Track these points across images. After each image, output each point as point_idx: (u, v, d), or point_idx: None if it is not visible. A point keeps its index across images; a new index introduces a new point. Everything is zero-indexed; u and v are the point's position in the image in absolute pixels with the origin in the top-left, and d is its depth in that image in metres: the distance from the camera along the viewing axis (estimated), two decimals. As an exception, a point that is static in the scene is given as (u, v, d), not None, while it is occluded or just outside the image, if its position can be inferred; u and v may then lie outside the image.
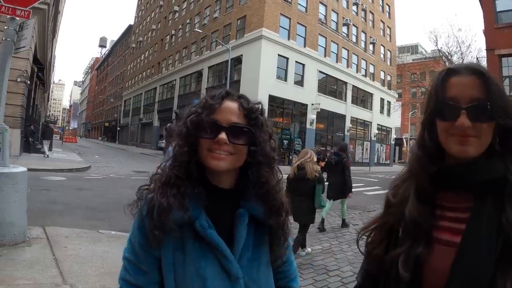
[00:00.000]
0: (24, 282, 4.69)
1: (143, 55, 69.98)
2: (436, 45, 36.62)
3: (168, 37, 58.05)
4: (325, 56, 42.33)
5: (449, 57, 33.68)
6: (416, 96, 57.16)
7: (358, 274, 1.46)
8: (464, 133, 1.13)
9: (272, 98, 35.90)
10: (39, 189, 12.07)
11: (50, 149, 26.14)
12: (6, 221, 5.96)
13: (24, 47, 6.70)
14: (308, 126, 39.76)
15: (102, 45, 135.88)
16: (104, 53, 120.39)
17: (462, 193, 1.16)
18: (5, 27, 6.48)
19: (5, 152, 6.33)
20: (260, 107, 1.47)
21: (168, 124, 8.28)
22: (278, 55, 36.66)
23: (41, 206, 9.38)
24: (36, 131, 25.79)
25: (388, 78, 54.56)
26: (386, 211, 1.34)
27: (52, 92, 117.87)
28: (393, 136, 58.35)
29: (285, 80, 37.72)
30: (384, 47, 53.81)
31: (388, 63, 53.78)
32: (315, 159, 7.49)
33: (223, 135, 1.30)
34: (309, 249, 7.34)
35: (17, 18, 6.50)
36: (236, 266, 1.32)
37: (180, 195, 1.30)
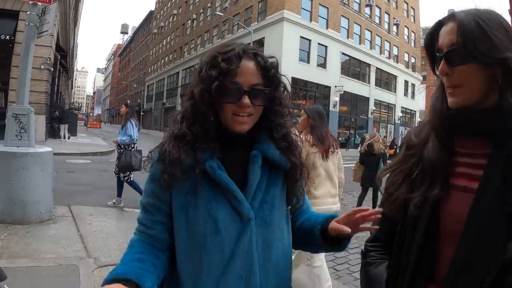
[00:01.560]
0: (50, 256, 4.75)
1: (165, 40, 70.15)
2: None
3: (189, 21, 57.95)
4: (348, 37, 41.77)
5: None
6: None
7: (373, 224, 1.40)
8: (449, 85, 1.13)
9: (294, 81, 35.70)
10: (65, 171, 12.21)
11: (74, 134, 26.54)
12: (32, 199, 6.04)
13: (46, 31, 6.80)
14: (331, 108, 39.41)
15: (124, 32, 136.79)
16: (126, 40, 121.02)
17: (479, 139, 1.13)
18: (28, 13, 6.58)
19: (31, 133, 6.41)
20: (275, 62, 1.46)
21: (127, 101, 8.36)
22: (300, 37, 36.36)
23: (67, 187, 9.47)
24: (61, 117, 26.11)
25: (412, 60, 53.67)
26: (406, 153, 1.30)
27: (75, 79, 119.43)
28: (418, 119, 57.42)
29: (308, 62, 37.43)
30: (408, 28, 52.80)
31: (412, 45, 52.78)
32: (381, 140, 9.55)
33: (246, 100, 1.31)
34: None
35: (39, 3, 6.58)
36: (247, 207, 1.33)
37: (192, 150, 1.33)
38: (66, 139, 25.50)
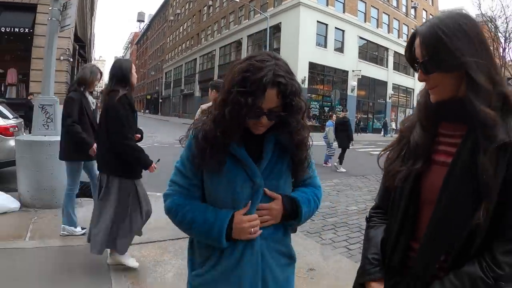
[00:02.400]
0: (79, 236, 5.08)
1: (181, 27, 70.35)
2: (480, 9, 35.08)
3: (205, 8, 57.98)
4: (365, 21, 41.47)
5: (493, 22, 32.17)
6: None
7: (377, 196, 1.71)
8: (428, 87, 1.37)
9: (312, 65, 35.71)
10: (88, 159, 12.56)
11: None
12: (60, 185, 6.34)
13: (69, 25, 7.14)
14: (349, 93, 39.35)
15: (140, 20, 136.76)
16: (143, 28, 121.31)
17: (458, 123, 1.35)
18: (50, 8, 6.88)
19: (57, 123, 6.71)
20: (297, 88, 1.68)
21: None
22: (317, 21, 36.24)
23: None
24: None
25: (434, 44, 52.82)
26: (399, 137, 1.57)
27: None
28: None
29: (325, 46, 37.34)
30: (426, 11, 51.93)
31: (432, 29, 52.00)
32: None
33: (264, 120, 1.64)
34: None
35: None
36: (259, 175, 1.71)
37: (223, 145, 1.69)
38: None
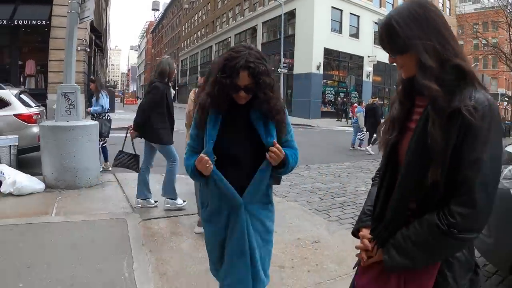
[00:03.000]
0: (101, 212, 5.53)
1: (196, 15, 70.38)
2: None
3: (220, -5, 57.98)
4: (380, 6, 41.11)
5: (509, 7, 31.39)
6: (478, 48, 53.40)
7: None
8: (398, 67, 1.64)
9: (327, 51, 35.67)
10: (108, 144, 13.01)
11: (111, 110, 27.42)
12: (82, 166, 6.84)
13: (88, 16, 7.56)
14: (364, 79, 39.24)
15: (155, 9, 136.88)
16: (158, 16, 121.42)
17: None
18: (69, 1, 7.28)
19: (79, 109, 7.21)
20: (264, 69, 2.29)
21: (92, 77, 9.08)
22: (332, 7, 36.05)
23: (110, 158, 10.21)
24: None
25: (449, 29, 51.93)
26: (389, 114, 1.81)
27: (109, 58, 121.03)
28: (454, 89, 55.94)
29: (340, 32, 37.22)
30: (442, -6, 51.36)
31: (448, 13, 51.21)
32: None
33: (242, 93, 2.29)
34: None
35: None
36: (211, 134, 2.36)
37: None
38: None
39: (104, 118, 9.04)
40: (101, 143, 8.71)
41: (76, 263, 3.86)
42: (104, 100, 9.02)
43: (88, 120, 7.56)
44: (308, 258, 4.31)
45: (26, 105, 9.07)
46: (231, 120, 2.41)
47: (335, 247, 4.66)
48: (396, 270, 1.56)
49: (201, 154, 2.28)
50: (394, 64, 1.64)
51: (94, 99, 9.17)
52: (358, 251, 1.79)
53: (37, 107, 9.63)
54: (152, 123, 5.60)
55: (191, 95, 6.06)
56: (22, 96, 9.31)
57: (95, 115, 8.95)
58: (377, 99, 18.92)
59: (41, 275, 3.59)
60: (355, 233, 1.90)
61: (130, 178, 7.54)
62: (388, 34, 1.56)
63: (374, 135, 14.42)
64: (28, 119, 8.57)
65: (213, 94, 2.35)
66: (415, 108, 1.64)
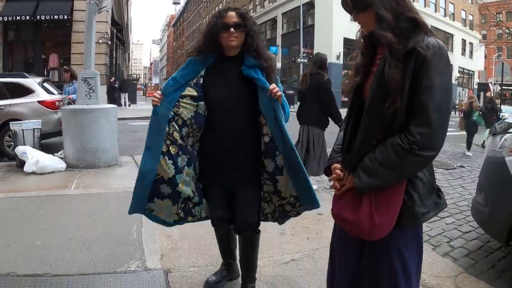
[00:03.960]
0: (116, 186, 5.95)
1: (217, 7, 70.14)
2: None
3: (240, -13, 58.04)
4: (401, -5, 40.54)
5: None
6: (502, 37, 51.89)
7: None
8: (360, 25, 1.89)
9: (347, 41, 35.45)
10: (128, 131, 13.53)
11: (133, 102, 28.12)
12: (101, 147, 7.26)
13: (105, 6, 7.97)
14: (384, 68, 38.84)
15: (176, 2, 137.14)
16: (179, 10, 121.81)
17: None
18: (88, -8, 7.64)
19: (98, 93, 7.63)
20: (247, 12, 2.68)
21: (65, 67, 9.17)
22: (351, -4, 35.70)
23: (130, 143, 10.67)
24: (120, 86, 27.45)
25: (470, 17, 51.16)
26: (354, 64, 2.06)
27: (132, 52, 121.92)
28: (476, 80, 55.12)
29: (359, 22, 36.87)
30: (465, -17, 50.51)
31: (469, 1, 50.32)
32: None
33: (232, 29, 2.49)
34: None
35: None
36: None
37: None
38: (127, 107, 27.18)
39: None
40: None
41: (89, 226, 4.25)
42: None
43: (108, 104, 7.92)
44: (309, 227, 4.52)
45: (49, 92, 9.49)
46: (220, 70, 2.62)
47: (336, 218, 4.87)
48: (367, 191, 1.72)
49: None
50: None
51: (70, 87, 9.46)
52: None
53: (59, 94, 10.05)
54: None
55: None
56: (45, 84, 9.77)
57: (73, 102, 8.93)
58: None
59: (57, 235, 3.99)
60: (327, 171, 2.05)
61: (147, 159, 7.91)
62: None
63: None
64: (51, 105, 8.98)
65: (201, 42, 2.63)
66: (377, 55, 1.84)
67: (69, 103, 9.12)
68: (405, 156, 1.62)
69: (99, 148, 7.18)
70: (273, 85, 2.47)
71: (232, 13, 2.54)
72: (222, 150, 2.62)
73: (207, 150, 2.72)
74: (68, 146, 7.26)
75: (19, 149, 7.07)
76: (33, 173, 6.60)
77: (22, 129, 7.49)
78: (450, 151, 12.30)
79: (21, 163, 6.91)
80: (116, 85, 26.67)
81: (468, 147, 12.18)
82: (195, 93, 2.57)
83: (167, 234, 4.01)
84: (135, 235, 4.01)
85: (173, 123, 2.55)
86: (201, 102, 2.60)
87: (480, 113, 13.07)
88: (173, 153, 2.57)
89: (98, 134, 7.17)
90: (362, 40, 1.93)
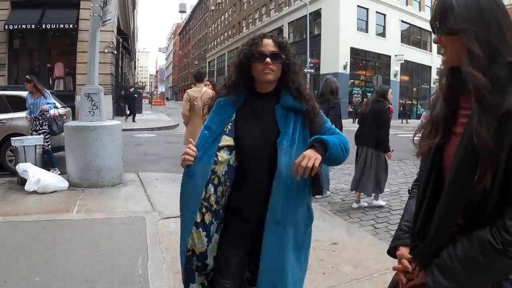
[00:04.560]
0: (121, 210, 5.62)
1: (223, 16, 70.82)
2: None
3: (246, -4, 58.19)
4: (406, 4, 40.56)
5: None
6: None
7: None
8: (442, 52, 1.45)
9: (354, 51, 35.42)
10: (133, 144, 13.28)
11: (139, 111, 27.91)
12: (105, 165, 6.96)
13: (110, 19, 7.76)
14: (392, 78, 38.67)
15: (182, 11, 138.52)
16: (185, 18, 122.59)
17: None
18: (91, 5, 7.47)
19: (102, 109, 7.37)
20: (286, 39, 2.31)
21: (27, 76, 8.50)
22: (357, 6, 35.78)
23: (135, 158, 10.45)
24: (126, 96, 27.25)
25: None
26: (430, 114, 1.60)
27: (138, 60, 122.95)
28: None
29: (366, 31, 36.90)
30: (471, -10, 50.16)
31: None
32: None
33: (268, 60, 2.08)
34: None
35: None
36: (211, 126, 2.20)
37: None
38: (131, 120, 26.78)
39: (54, 116, 8.36)
40: (46, 144, 8.10)
41: (92, 259, 3.94)
42: (51, 98, 8.49)
43: (112, 121, 7.67)
44: (325, 260, 4.23)
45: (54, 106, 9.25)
46: (252, 109, 2.18)
47: (352, 249, 4.57)
48: None
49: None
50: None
51: (33, 100, 8.30)
52: (392, 271, 1.61)
53: (63, 108, 9.82)
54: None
55: (185, 96, 7.38)
56: (48, 97, 9.51)
57: (42, 116, 8.20)
58: None
59: (57, 270, 3.69)
60: (392, 252, 1.70)
61: (153, 177, 7.66)
62: (442, 8, 1.38)
63: None
64: (55, 119, 8.74)
65: (232, 76, 2.24)
66: (460, 110, 1.44)
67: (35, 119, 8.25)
68: (496, 258, 1.22)
69: (102, 167, 6.91)
70: (300, 158, 1.93)
71: (268, 41, 2.14)
72: (251, 207, 2.13)
73: (234, 209, 2.16)
74: (71, 164, 6.98)
75: (20, 167, 6.83)
76: (35, 192, 6.33)
77: (24, 146, 7.24)
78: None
79: (23, 180, 6.67)
80: (122, 93, 26.47)
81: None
82: (232, 143, 2.09)
83: (175, 269, 3.71)
84: (140, 270, 3.71)
85: (210, 185, 2.05)
86: (233, 151, 2.10)
87: None
88: (207, 221, 2.07)
89: (102, 152, 6.91)
90: (444, 79, 1.51)
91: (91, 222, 5.04)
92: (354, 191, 6.97)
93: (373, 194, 6.93)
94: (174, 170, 8.40)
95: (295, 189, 2.07)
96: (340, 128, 6.65)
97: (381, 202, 6.99)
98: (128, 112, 25.95)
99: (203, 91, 7.35)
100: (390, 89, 7.23)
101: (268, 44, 2.12)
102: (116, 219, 5.16)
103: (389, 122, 7.03)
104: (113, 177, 7.05)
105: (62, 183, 6.70)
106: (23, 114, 8.49)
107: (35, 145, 7.39)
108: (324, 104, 6.76)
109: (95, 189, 6.69)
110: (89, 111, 7.18)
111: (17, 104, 8.67)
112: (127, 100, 26.34)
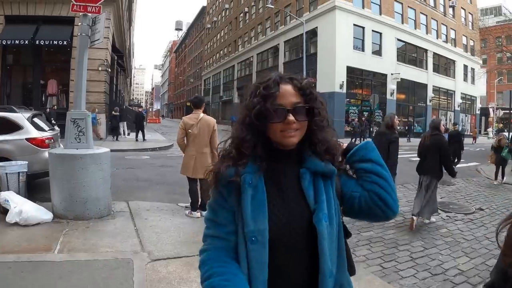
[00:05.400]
0: (107, 250, 5.08)
1: (218, 34, 70.95)
2: None
3: (241, 15, 58.27)
4: (402, 23, 40.59)
5: None
6: (502, 61, 51.97)
7: (492, 271, 1.33)
8: None
9: (350, 70, 35.31)
10: (125, 167, 12.79)
11: (133, 130, 27.40)
12: (92, 196, 6.46)
13: (98, 39, 7.22)
14: (388, 96, 38.55)
15: (178, 28, 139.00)
16: (181, 36, 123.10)
17: None
18: (79, 23, 7.07)
19: (89, 136, 6.89)
20: (310, 82, 1.60)
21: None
22: (354, 25, 35.78)
23: (126, 183, 9.96)
24: (120, 115, 26.81)
25: (471, 43, 50.98)
26: None
27: (134, 77, 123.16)
28: (478, 105, 54.97)
29: (363, 50, 36.80)
30: (464, 10, 50.45)
31: (470, 27, 50.12)
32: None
33: (290, 117, 1.48)
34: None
35: (89, 14, 7.00)
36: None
37: (235, 165, 1.53)
38: (126, 136, 26.45)
39: None
40: None
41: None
42: None
43: (100, 148, 7.18)
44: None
45: (39, 129, 8.85)
46: (271, 177, 1.55)
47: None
48: None
49: None
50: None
51: None
52: None
53: (50, 131, 9.41)
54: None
55: (181, 124, 7.09)
56: (35, 119, 9.10)
57: None
58: (456, 126, 20.50)
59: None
60: None
61: (144, 207, 7.21)
62: None
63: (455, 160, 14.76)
64: (41, 143, 8.34)
65: (241, 135, 1.55)
66: None
67: None
68: None
69: (89, 198, 6.39)
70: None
71: (287, 88, 1.52)
72: None
73: None
74: (55, 195, 6.47)
75: (2, 196, 6.36)
76: (16, 223, 5.84)
77: (6, 173, 6.79)
78: (464, 189, 11.60)
79: (5, 210, 6.19)
80: (116, 113, 26.05)
81: (496, 177, 13.62)
82: None
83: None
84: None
85: None
86: None
87: (508, 149, 14.15)
88: None
89: (89, 182, 6.40)
90: None
91: (73, 265, 4.51)
92: (414, 216, 7.32)
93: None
94: (166, 199, 7.98)
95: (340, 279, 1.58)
96: (395, 162, 7.83)
97: (433, 219, 7.91)
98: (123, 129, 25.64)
99: (200, 118, 6.98)
100: (442, 121, 8.23)
101: (288, 93, 1.51)
102: (101, 261, 4.61)
103: (449, 150, 8.11)
104: (100, 208, 6.54)
105: (46, 215, 6.19)
106: (8, 137, 8.09)
107: (18, 172, 6.93)
108: (381, 137, 7.80)
109: (81, 222, 6.17)
110: (75, 138, 6.70)
111: (2, 127, 8.19)
112: (137, 118, 25.87)
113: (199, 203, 6.99)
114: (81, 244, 5.24)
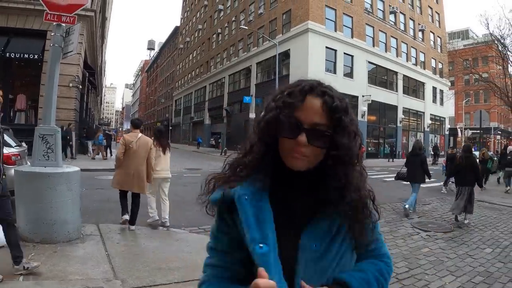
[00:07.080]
0: (76, 277, 4.67)
1: (191, 55, 70.88)
2: (488, 28, 33.72)
3: (214, 36, 58.43)
4: (373, 46, 41.32)
5: (502, 41, 31.25)
6: (470, 83, 53.67)
7: None
8: None
9: (321, 92, 35.46)
10: (94, 188, 12.31)
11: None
12: (60, 219, 6.06)
13: (71, 51, 6.83)
14: (359, 118, 38.79)
15: (150, 48, 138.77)
16: (153, 56, 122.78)
17: None
18: (52, 34, 6.71)
19: (58, 153, 6.50)
20: (345, 104, 1.30)
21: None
22: (326, 47, 36.17)
23: (96, 205, 9.53)
24: (87, 133, 26.27)
25: (440, 65, 52.39)
26: None
27: (104, 95, 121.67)
28: (447, 126, 56.14)
29: (335, 72, 37.14)
30: (433, 33, 51.87)
31: (439, 50, 51.38)
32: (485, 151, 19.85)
33: (303, 137, 1.21)
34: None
35: (63, 25, 6.68)
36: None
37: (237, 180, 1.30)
38: (92, 154, 25.54)
39: None
40: None
41: None
42: None
43: (70, 166, 6.78)
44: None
45: (5, 145, 8.36)
46: (280, 203, 1.30)
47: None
48: None
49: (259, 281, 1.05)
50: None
51: None
52: None
53: (17, 147, 8.96)
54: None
55: (121, 140, 7.76)
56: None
57: None
58: (454, 149, 21.97)
59: None
60: None
61: (115, 230, 6.82)
62: None
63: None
64: (6, 160, 7.85)
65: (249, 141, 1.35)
66: None
67: None
68: None
69: (57, 220, 5.96)
70: None
71: (315, 102, 1.26)
72: None
73: None
74: (21, 216, 5.98)
75: (-36, 218, 5.88)
76: (-22, 248, 5.40)
77: (-33, 194, 6.32)
78: (441, 207, 11.53)
79: (-32, 233, 5.71)
80: (83, 131, 25.46)
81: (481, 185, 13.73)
82: None
83: None
84: None
85: None
86: None
87: (492, 160, 17.70)
88: None
89: (57, 203, 5.97)
90: None
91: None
92: (457, 214, 10.11)
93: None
94: (138, 221, 7.59)
95: None
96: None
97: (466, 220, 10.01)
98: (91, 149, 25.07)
99: (138, 136, 7.65)
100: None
101: (312, 109, 1.24)
102: (70, 290, 4.27)
103: (479, 168, 10.99)
104: (69, 231, 6.12)
105: (9, 238, 5.77)
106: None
107: (-17, 192, 6.47)
108: (416, 157, 11.16)
109: (48, 246, 5.72)
110: (43, 155, 6.29)
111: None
112: (90, 135, 25.55)
113: (128, 220, 7.32)
114: (48, 271, 4.81)
